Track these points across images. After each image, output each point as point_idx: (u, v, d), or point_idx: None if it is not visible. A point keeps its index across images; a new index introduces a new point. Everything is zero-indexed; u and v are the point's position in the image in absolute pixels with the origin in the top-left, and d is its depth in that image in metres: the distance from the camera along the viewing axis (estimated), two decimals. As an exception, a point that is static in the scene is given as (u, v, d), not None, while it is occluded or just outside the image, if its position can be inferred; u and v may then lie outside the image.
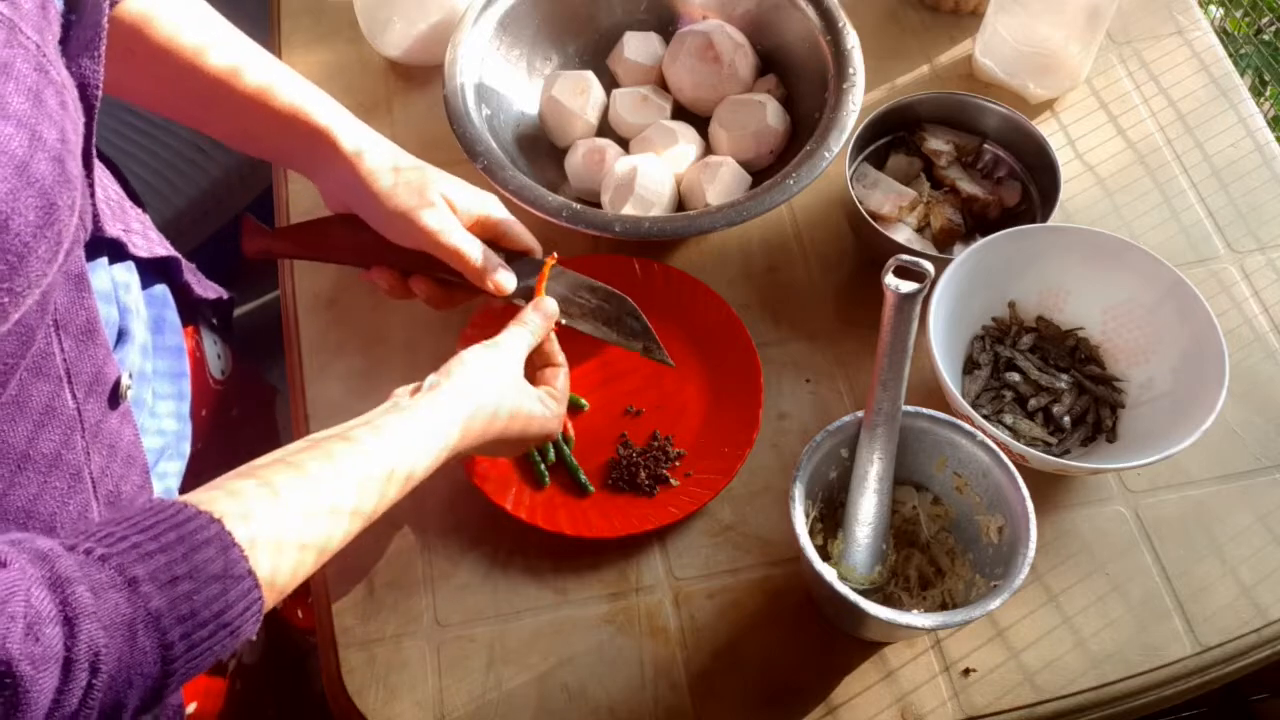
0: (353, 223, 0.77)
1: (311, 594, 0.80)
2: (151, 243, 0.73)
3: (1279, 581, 0.80)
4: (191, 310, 0.83)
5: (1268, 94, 1.46)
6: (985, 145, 0.95)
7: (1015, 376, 0.85)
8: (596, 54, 1.03)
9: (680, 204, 0.93)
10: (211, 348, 0.87)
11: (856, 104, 0.89)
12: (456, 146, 0.87)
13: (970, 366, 0.87)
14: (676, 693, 0.76)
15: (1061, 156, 0.92)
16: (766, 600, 0.79)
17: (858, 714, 0.75)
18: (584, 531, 0.79)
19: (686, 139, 0.94)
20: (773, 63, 1.00)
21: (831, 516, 0.78)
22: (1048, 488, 0.82)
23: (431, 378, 0.67)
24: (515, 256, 0.79)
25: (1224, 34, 1.43)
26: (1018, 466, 0.71)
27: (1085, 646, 0.77)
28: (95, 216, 0.63)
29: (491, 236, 0.78)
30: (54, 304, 0.54)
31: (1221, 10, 1.52)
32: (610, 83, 1.01)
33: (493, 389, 0.68)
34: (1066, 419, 0.83)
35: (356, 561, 0.80)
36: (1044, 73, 1.00)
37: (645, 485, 0.82)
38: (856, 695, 0.76)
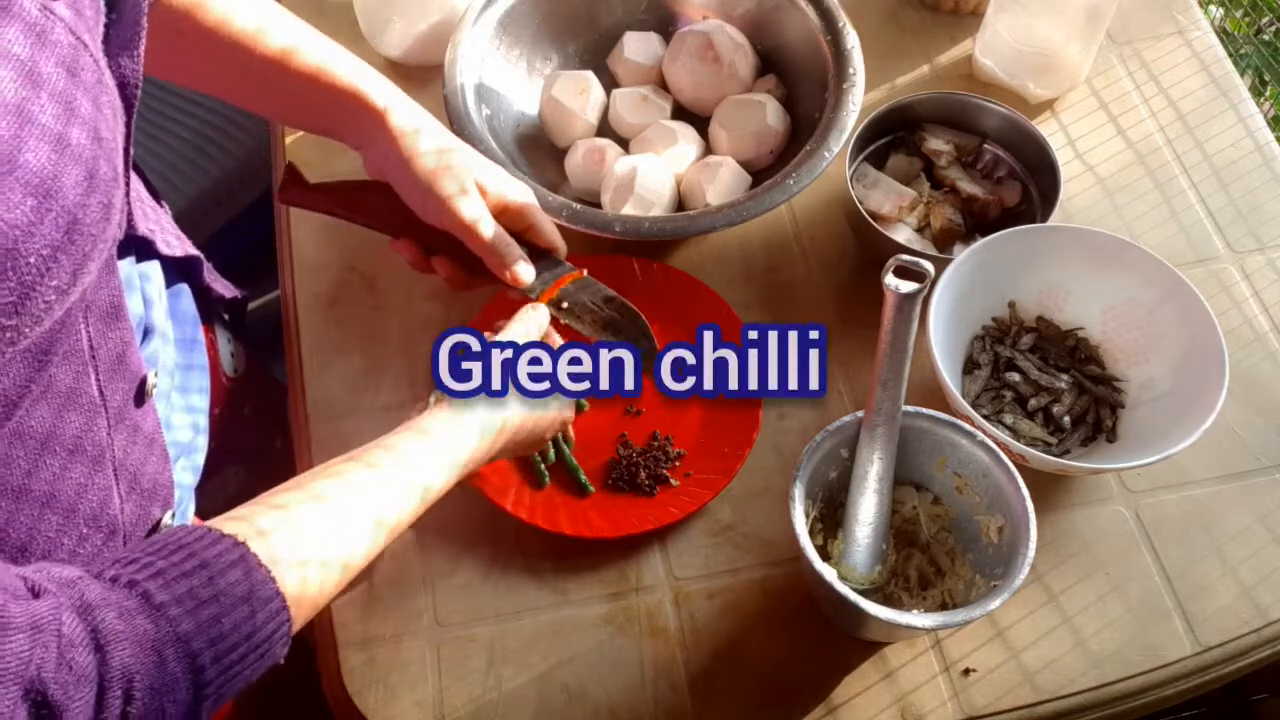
0: (388, 191, 0.78)
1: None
2: (178, 242, 0.74)
3: (1279, 581, 0.80)
4: (207, 308, 0.84)
5: (1268, 94, 1.46)
6: (985, 145, 0.95)
7: (1015, 376, 0.85)
8: (596, 54, 1.03)
9: (680, 204, 0.93)
10: (225, 346, 0.88)
11: (856, 104, 0.89)
12: (456, 146, 0.87)
13: (970, 366, 0.87)
14: (676, 693, 0.76)
15: (1061, 156, 0.92)
16: (766, 600, 0.79)
17: (858, 714, 0.75)
18: (584, 531, 0.79)
19: (686, 139, 0.94)
20: (773, 63, 1.00)
21: (831, 516, 0.78)
22: (1048, 488, 0.82)
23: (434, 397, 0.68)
24: (540, 254, 0.79)
25: (1224, 34, 1.43)
26: (1018, 466, 0.71)
27: (1085, 646, 0.77)
28: (129, 214, 0.64)
29: (519, 229, 0.79)
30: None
31: (1221, 10, 1.52)
32: (610, 83, 1.02)
33: (494, 404, 0.69)
34: (1066, 419, 0.83)
35: (356, 561, 0.80)
36: (1044, 73, 1.00)
37: (645, 485, 0.82)
38: (856, 695, 0.76)
